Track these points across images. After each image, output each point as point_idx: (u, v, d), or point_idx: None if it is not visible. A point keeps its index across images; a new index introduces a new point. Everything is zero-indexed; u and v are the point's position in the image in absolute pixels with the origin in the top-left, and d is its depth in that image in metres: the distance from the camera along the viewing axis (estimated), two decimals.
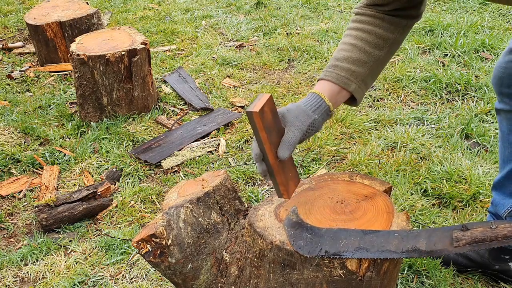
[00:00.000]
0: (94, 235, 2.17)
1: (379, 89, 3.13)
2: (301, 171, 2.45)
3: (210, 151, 2.68)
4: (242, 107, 3.07)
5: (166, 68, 3.65)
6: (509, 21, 3.91)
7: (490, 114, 2.76)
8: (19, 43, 4.15)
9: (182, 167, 2.56)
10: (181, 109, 3.13)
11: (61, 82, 3.49)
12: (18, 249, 2.11)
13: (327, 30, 4.03)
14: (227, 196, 1.46)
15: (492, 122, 2.69)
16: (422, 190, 2.24)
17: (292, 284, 1.23)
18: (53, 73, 3.59)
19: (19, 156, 2.62)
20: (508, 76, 1.50)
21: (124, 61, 2.81)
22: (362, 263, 1.15)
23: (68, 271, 1.96)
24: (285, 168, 1.27)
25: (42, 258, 2.04)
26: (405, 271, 1.84)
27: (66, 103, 3.19)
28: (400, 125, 2.73)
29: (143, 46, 2.87)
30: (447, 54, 3.42)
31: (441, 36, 3.65)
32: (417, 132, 2.64)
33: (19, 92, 3.38)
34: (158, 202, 2.32)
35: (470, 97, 2.95)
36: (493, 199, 1.69)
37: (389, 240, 1.21)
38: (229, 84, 3.37)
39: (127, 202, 2.31)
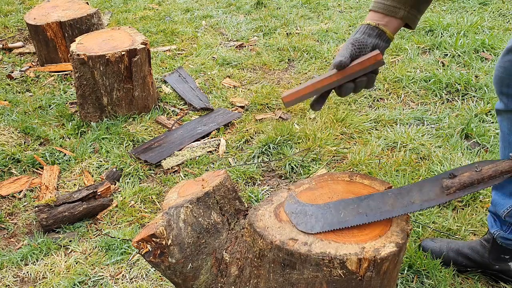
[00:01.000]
0: (94, 235, 2.17)
1: (379, 89, 3.13)
2: (301, 171, 2.45)
3: (210, 151, 2.68)
4: (242, 107, 3.07)
5: (166, 68, 3.65)
6: (509, 21, 3.91)
7: (490, 114, 2.77)
8: (19, 43, 4.15)
9: (182, 167, 2.56)
10: (181, 109, 3.13)
11: (61, 82, 3.49)
12: (18, 249, 2.11)
13: (327, 30, 4.03)
14: (227, 196, 1.46)
15: (492, 122, 2.69)
16: None
17: (292, 284, 1.23)
18: (53, 73, 3.59)
19: (19, 156, 2.62)
20: (508, 75, 1.50)
21: (124, 61, 2.81)
22: (362, 263, 1.15)
23: (68, 271, 1.96)
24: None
25: (42, 258, 2.04)
26: (405, 271, 1.84)
27: (66, 103, 3.19)
28: (400, 125, 2.74)
29: (143, 46, 2.87)
30: (447, 54, 3.42)
31: (441, 36, 3.65)
32: (417, 132, 2.64)
33: (19, 92, 3.38)
34: (158, 202, 2.32)
35: (470, 97, 2.95)
36: (493, 199, 1.69)
37: (385, 200, 1.27)
38: (229, 84, 3.37)
39: (127, 202, 2.31)
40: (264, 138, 2.67)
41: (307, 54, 3.66)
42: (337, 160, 2.52)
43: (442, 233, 2.01)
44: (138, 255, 1.98)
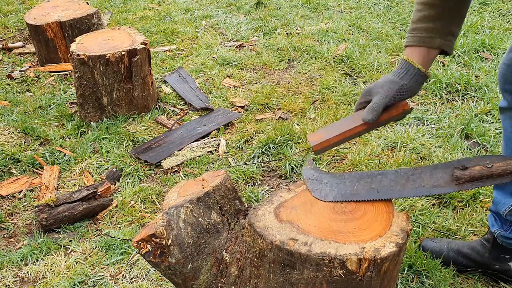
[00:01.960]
0: (94, 235, 2.17)
1: None
2: (301, 171, 2.45)
3: (210, 151, 2.68)
4: (242, 107, 3.07)
5: (166, 68, 3.65)
6: (509, 21, 3.91)
7: (490, 114, 2.77)
8: (19, 43, 4.15)
9: (182, 167, 2.56)
10: (181, 109, 3.13)
11: (61, 82, 3.49)
12: (18, 249, 2.11)
13: (327, 30, 4.03)
14: (227, 196, 1.46)
15: (492, 122, 2.69)
16: None
17: (292, 284, 1.23)
18: (53, 73, 3.59)
19: (19, 156, 2.62)
20: (511, 73, 1.50)
21: (124, 61, 2.81)
22: (362, 263, 1.15)
23: (68, 271, 1.96)
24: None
25: (42, 258, 2.04)
26: (405, 271, 1.84)
27: (66, 103, 3.19)
28: (400, 125, 2.74)
29: (143, 46, 2.87)
30: None
31: None
32: (417, 132, 2.64)
33: (19, 92, 3.38)
34: (158, 202, 2.32)
35: (470, 97, 2.95)
36: (494, 198, 1.69)
37: (397, 179, 1.32)
38: (229, 84, 3.37)
39: (127, 202, 2.31)
40: (264, 138, 2.67)
41: (307, 54, 3.66)
42: (337, 160, 2.52)
43: (442, 233, 2.01)
44: (138, 255, 1.98)
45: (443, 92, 3.02)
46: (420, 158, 2.46)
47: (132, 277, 1.92)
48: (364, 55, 3.52)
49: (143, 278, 1.91)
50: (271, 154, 2.58)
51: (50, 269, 1.98)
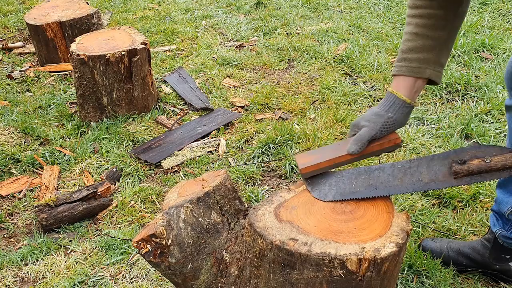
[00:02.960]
0: (94, 235, 2.17)
1: (379, 89, 3.13)
2: None
3: (210, 151, 2.68)
4: (242, 107, 3.07)
5: (166, 68, 3.65)
6: (509, 21, 3.91)
7: (490, 114, 2.77)
8: (19, 43, 4.15)
9: (182, 167, 2.56)
10: (181, 109, 3.13)
11: (61, 82, 3.49)
12: (18, 249, 2.11)
13: (327, 30, 4.03)
14: (227, 196, 1.46)
15: (492, 122, 2.69)
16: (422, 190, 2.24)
17: (292, 284, 1.23)
18: (53, 73, 3.59)
19: (19, 156, 2.62)
20: None
21: (124, 61, 2.81)
22: (362, 263, 1.15)
23: (68, 271, 1.96)
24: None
25: (42, 258, 2.04)
26: (405, 271, 1.84)
27: (66, 103, 3.19)
28: None
29: (143, 46, 2.87)
30: None
31: None
32: (417, 132, 2.64)
33: (19, 92, 3.38)
34: (158, 202, 2.32)
35: (470, 97, 2.95)
36: (497, 197, 1.68)
37: (394, 174, 1.32)
38: (229, 84, 3.37)
39: (127, 202, 2.31)
40: (264, 138, 2.67)
41: (307, 54, 3.66)
42: None
43: (442, 233, 2.01)
44: (138, 255, 1.98)
45: (443, 92, 3.02)
46: None
47: (132, 277, 1.92)
48: (364, 55, 3.52)
49: (143, 278, 1.91)
50: (271, 154, 2.58)
51: (50, 269, 1.98)
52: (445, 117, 2.78)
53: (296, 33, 4.08)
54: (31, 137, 2.82)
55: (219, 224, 1.42)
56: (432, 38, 1.33)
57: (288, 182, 2.41)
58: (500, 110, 2.78)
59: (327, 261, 1.16)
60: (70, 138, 2.83)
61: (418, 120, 2.80)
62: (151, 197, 2.34)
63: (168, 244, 1.33)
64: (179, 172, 2.53)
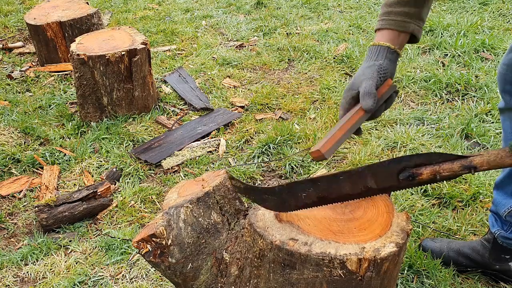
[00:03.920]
0: (94, 235, 2.17)
1: None
2: (301, 171, 2.45)
3: (210, 151, 2.68)
4: (242, 107, 3.07)
5: (166, 68, 3.65)
6: (509, 21, 3.91)
7: (490, 114, 2.77)
8: (19, 43, 4.15)
9: (182, 167, 2.56)
10: (181, 109, 3.13)
11: (61, 82, 3.49)
12: (18, 249, 2.11)
13: (327, 30, 4.03)
14: (227, 196, 1.46)
15: (492, 122, 2.69)
16: (422, 190, 2.24)
17: (292, 284, 1.23)
18: (53, 73, 3.59)
19: (19, 156, 2.62)
20: (511, 73, 1.49)
21: (124, 61, 2.81)
22: (362, 263, 1.15)
23: (68, 271, 1.96)
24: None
25: (42, 258, 2.04)
26: (405, 271, 1.84)
27: (66, 103, 3.19)
28: (400, 125, 2.73)
29: (143, 46, 2.87)
30: (447, 54, 3.42)
31: (441, 36, 3.65)
32: (417, 132, 2.64)
33: (19, 92, 3.38)
34: (158, 202, 2.32)
35: (470, 97, 2.95)
36: (494, 199, 1.69)
37: (342, 184, 1.24)
38: (229, 84, 3.37)
39: (127, 202, 2.31)
40: (264, 138, 2.67)
41: (307, 54, 3.66)
42: (337, 160, 2.52)
43: (442, 233, 2.01)
44: (138, 255, 1.98)
45: (443, 92, 3.02)
46: None
47: (132, 277, 1.92)
48: (364, 55, 3.52)
49: (143, 278, 1.91)
50: (271, 154, 2.58)
51: (50, 269, 1.98)
52: (445, 117, 2.78)
53: (296, 33, 4.08)
54: (31, 137, 2.82)
55: (219, 224, 1.42)
56: None
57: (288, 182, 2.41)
58: None
59: (327, 261, 1.16)
60: (70, 138, 2.83)
61: (418, 120, 2.80)
62: (151, 197, 2.34)
63: (168, 244, 1.33)
64: (179, 172, 2.53)
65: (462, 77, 3.06)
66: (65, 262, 2.01)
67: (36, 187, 2.47)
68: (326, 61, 3.53)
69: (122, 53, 2.79)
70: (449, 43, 3.51)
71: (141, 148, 2.69)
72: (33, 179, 2.52)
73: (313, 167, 2.45)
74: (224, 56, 3.71)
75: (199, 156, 2.62)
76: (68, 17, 3.58)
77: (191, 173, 2.51)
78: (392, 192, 1.38)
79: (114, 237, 2.09)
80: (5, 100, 3.22)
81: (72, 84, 3.39)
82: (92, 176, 2.53)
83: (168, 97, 3.23)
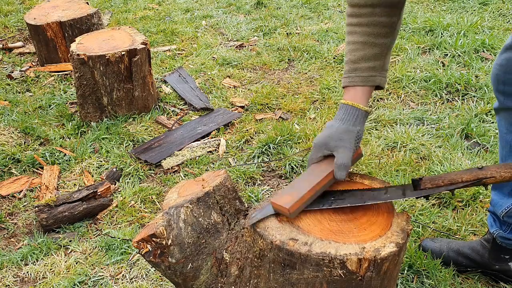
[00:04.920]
0: (94, 235, 2.17)
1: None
2: (301, 171, 2.45)
3: (210, 151, 2.68)
4: (242, 107, 3.07)
5: (166, 68, 3.65)
6: (509, 21, 3.91)
7: (490, 114, 2.77)
8: (19, 43, 4.15)
9: (182, 167, 2.56)
10: (181, 109, 3.13)
11: (61, 82, 3.49)
12: (18, 249, 2.11)
13: (327, 30, 4.03)
14: (227, 196, 1.46)
15: (492, 122, 2.69)
16: None
17: (292, 284, 1.23)
18: (53, 73, 3.59)
19: (19, 156, 2.62)
20: (504, 73, 1.50)
21: (124, 61, 2.81)
22: (362, 263, 1.15)
23: (68, 271, 1.96)
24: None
25: (42, 258, 2.04)
26: (405, 271, 1.84)
27: (66, 103, 3.19)
28: (400, 125, 2.73)
29: (143, 46, 2.87)
30: (447, 54, 3.42)
31: (441, 36, 3.65)
32: (417, 132, 2.64)
33: (19, 92, 3.38)
34: (158, 202, 2.32)
35: (470, 97, 2.95)
36: (492, 199, 1.69)
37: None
38: (229, 84, 3.37)
39: (127, 202, 2.31)
40: (264, 138, 2.67)
41: (307, 54, 3.66)
42: None
43: (442, 233, 2.01)
44: (138, 255, 1.98)
45: (443, 92, 3.02)
46: (420, 158, 2.46)
47: (132, 277, 1.92)
48: None
49: (143, 278, 1.91)
50: (271, 154, 2.58)
51: (50, 269, 1.98)
52: (445, 117, 2.78)
53: (296, 33, 4.08)
54: (31, 137, 2.82)
55: (219, 224, 1.42)
56: (379, 45, 1.33)
57: (288, 182, 2.42)
58: None
59: (327, 261, 1.16)
60: (70, 138, 2.83)
61: (418, 120, 2.80)
62: (151, 197, 2.34)
63: (168, 244, 1.33)
64: (179, 172, 2.53)
65: (462, 77, 3.06)
66: (65, 262, 2.01)
67: (36, 187, 2.47)
68: (326, 61, 3.53)
69: (122, 53, 2.79)
70: (449, 43, 3.51)
71: (141, 148, 2.69)
72: (33, 179, 2.52)
73: None
74: (224, 56, 3.71)
75: (199, 156, 2.62)
76: (68, 17, 3.58)
77: (191, 173, 2.51)
78: None
79: (114, 237, 2.09)
80: (5, 100, 3.22)
81: (72, 84, 3.39)
82: (92, 176, 2.53)
83: (168, 97, 3.23)
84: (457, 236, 1.99)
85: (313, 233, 1.22)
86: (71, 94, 3.28)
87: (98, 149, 2.71)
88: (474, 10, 4.16)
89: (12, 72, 3.64)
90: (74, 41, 3.01)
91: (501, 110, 1.58)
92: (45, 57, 3.68)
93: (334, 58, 3.54)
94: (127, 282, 1.90)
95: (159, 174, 2.54)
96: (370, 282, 1.19)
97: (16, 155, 2.62)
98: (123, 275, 1.93)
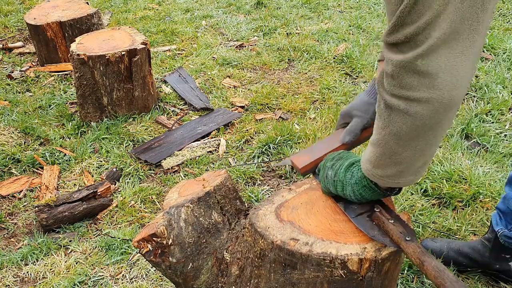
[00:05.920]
0: (94, 235, 2.17)
1: None
2: None
3: (210, 151, 2.68)
4: (242, 107, 3.07)
5: (166, 68, 3.65)
6: (509, 21, 3.92)
7: (490, 114, 2.77)
8: (19, 43, 4.15)
9: (182, 167, 2.56)
10: (181, 109, 3.13)
11: (61, 82, 3.49)
12: (18, 249, 2.11)
13: (327, 30, 4.03)
14: (228, 196, 1.46)
15: (492, 122, 2.69)
16: (422, 190, 2.24)
17: (293, 284, 1.23)
18: (53, 73, 3.59)
19: (19, 156, 2.62)
20: None
21: (124, 61, 2.81)
22: (363, 263, 1.15)
23: (68, 271, 1.96)
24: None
25: (42, 258, 2.04)
26: (405, 271, 1.84)
27: (66, 103, 3.19)
28: None
29: (143, 46, 2.87)
30: None
31: None
32: None
33: (19, 92, 3.38)
34: (158, 202, 2.32)
35: (470, 97, 2.95)
36: (506, 194, 1.67)
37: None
38: (229, 84, 3.37)
39: (127, 202, 2.31)
40: (264, 138, 2.67)
41: (307, 54, 3.66)
42: None
43: (442, 233, 2.01)
44: (138, 255, 1.98)
45: None
46: None
47: (132, 277, 1.92)
48: (364, 55, 3.52)
49: (143, 278, 1.91)
50: (271, 154, 2.58)
51: (50, 269, 1.98)
52: None
53: (296, 33, 4.08)
54: (31, 137, 2.82)
55: (220, 224, 1.42)
56: None
57: (288, 182, 2.41)
58: (500, 110, 2.78)
59: (328, 261, 1.16)
60: (70, 138, 2.83)
61: None
62: (151, 197, 2.34)
63: (169, 243, 1.33)
64: (179, 172, 2.53)
65: None
66: (65, 262, 2.01)
67: (36, 187, 2.47)
68: (326, 61, 3.53)
69: (122, 53, 2.79)
70: None
71: (141, 148, 2.69)
72: (33, 179, 2.51)
73: None
74: (224, 56, 3.71)
75: (199, 156, 2.62)
76: (68, 17, 3.57)
77: (191, 173, 2.51)
78: None
79: (114, 237, 2.09)
80: (5, 100, 3.22)
81: (72, 84, 3.39)
82: (92, 176, 2.53)
83: (168, 97, 3.23)
84: (457, 236, 1.99)
85: (314, 233, 1.22)
86: (71, 94, 3.28)
87: (98, 149, 2.70)
88: None
89: (12, 72, 3.63)
90: (74, 41, 3.01)
91: None
92: (45, 57, 3.68)
93: (334, 58, 3.54)
94: (127, 282, 1.90)
95: (159, 174, 2.54)
96: (371, 282, 1.19)
97: (16, 155, 2.62)
98: (123, 275, 1.93)
